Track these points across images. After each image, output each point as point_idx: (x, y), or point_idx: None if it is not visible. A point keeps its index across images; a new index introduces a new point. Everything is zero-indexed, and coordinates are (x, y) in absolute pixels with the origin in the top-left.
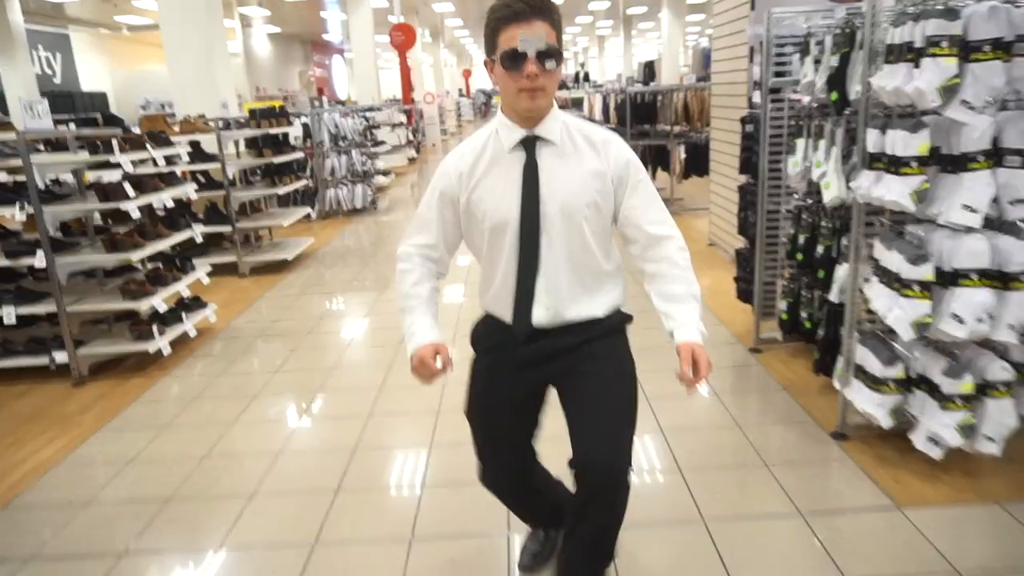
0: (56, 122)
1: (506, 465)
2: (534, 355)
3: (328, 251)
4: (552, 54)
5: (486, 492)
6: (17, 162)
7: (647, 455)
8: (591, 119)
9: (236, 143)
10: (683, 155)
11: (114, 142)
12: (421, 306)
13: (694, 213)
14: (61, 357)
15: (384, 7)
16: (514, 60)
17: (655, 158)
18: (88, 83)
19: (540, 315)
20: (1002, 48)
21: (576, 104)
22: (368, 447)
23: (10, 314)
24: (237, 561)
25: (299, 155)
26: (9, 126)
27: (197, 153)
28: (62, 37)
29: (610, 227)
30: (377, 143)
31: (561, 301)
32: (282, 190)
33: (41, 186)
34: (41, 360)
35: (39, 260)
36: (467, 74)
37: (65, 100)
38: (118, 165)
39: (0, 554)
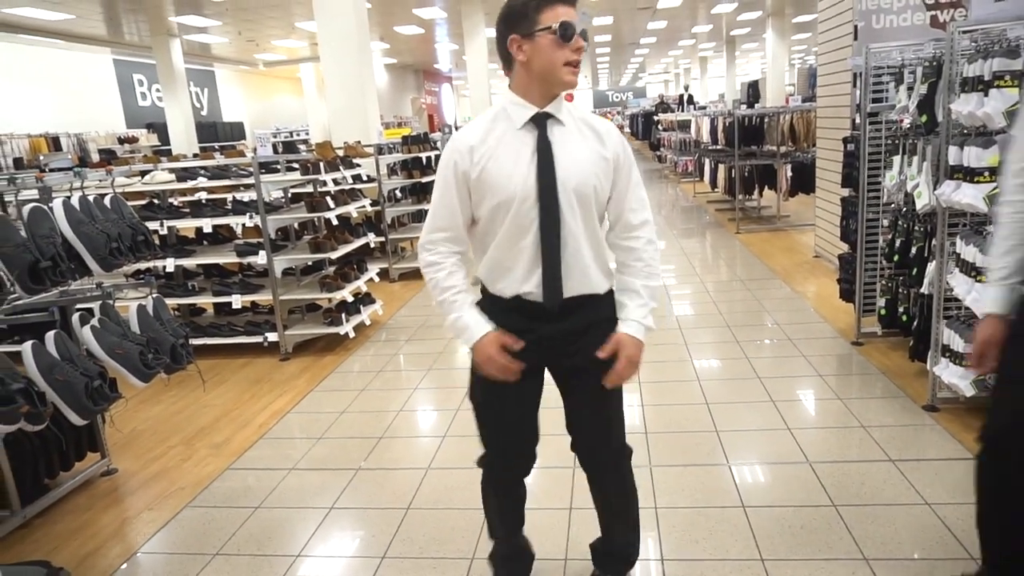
0: (203, 149)
1: (518, 455)
2: (544, 337)
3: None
4: (586, 36)
5: None
6: (250, 180)
7: (768, 422)
8: (699, 141)
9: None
10: (789, 174)
11: (321, 164)
12: (461, 297)
13: (800, 229)
14: (272, 337)
15: (493, 35)
16: (569, 33)
17: (761, 177)
18: (229, 114)
19: (566, 287)
20: None
21: (682, 126)
22: None
23: (238, 301)
24: (443, 476)
25: None
26: (241, 153)
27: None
28: (208, 73)
29: (604, 208)
30: None
31: (581, 273)
32: (428, 205)
33: (266, 200)
34: (256, 339)
35: (261, 258)
36: (569, 98)
37: (210, 129)
38: (324, 183)
39: (269, 465)
